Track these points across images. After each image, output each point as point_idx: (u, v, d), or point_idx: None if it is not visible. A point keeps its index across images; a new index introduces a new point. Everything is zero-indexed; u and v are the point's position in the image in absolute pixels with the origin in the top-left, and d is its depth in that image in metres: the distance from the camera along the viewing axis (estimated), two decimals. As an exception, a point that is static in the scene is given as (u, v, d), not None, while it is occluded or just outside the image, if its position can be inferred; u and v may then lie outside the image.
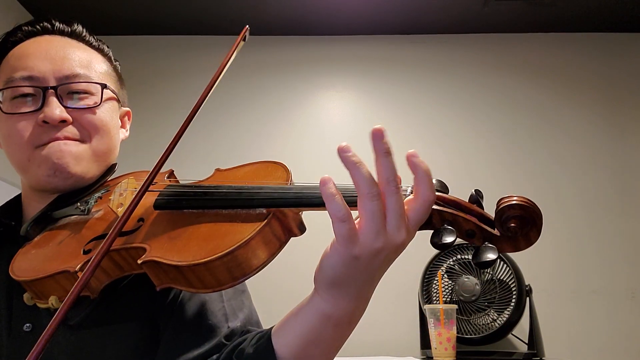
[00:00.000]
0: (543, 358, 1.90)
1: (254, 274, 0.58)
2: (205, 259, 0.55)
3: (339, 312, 0.56)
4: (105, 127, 0.81)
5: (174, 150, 0.64)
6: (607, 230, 2.35)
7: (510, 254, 1.96)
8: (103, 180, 0.81)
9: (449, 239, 0.52)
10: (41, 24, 0.83)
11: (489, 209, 0.59)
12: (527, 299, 1.96)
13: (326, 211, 0.52)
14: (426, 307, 1.82)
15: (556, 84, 2.57)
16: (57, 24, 0.84)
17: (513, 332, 2.03)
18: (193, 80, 2.59)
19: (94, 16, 2.57)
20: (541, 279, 2.19)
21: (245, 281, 0.60)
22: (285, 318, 0.61)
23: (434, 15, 2.52)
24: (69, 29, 0.84)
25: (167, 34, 2.63)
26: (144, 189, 0.61)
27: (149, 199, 0.67)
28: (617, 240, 2.34)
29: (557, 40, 2.62)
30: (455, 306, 1.78)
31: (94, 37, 0.87)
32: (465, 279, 1.95)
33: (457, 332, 1.81)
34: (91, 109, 0.79)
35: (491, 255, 0.51)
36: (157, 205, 0.67)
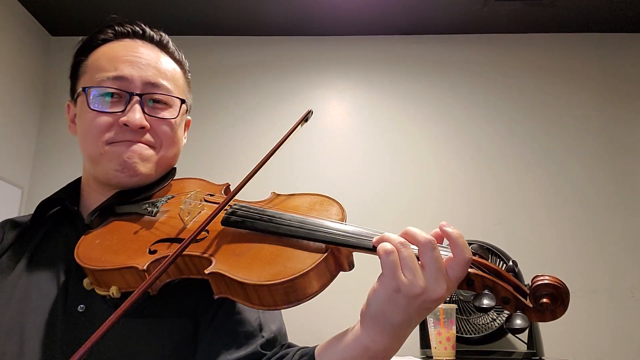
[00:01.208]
0: (542, 357, 1.91)
1: (305, 302, 0.64)
2: (269, 282, 0.62)
3: (376, 346, 0.62)
4: (175, 139, 0.87)
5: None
6: (607, 230, 2.36)
7: (509, 254, 1.96)
8: (165, 182, 0.88)
9: (488, 303, 0.60)
10: (133, 28, 0.89)
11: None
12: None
13: (375, 255, 0.62)
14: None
15: (556, 84, 2.57)
16: (147, 30, 0.90)
17: (513, 332, 2.03)
18: (193, 80, 2.59)
19: (93, 16, 2.57)
20: (541, 278, 2.19)
21: None
22: (330, 342, 0.67)
23: (434, 15, 2.53)
24: (158, 38, 0.91)
25: (166, 34, 2.63)
26: (220, 209, 0.69)
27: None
28: (617, 240, 2.34)
29: (557, 40, 2.62)
30: (454, 306, 1.78)
31: (177, 49, 0.94)
32: (465, 279, 1.95)
33: (457, 332, 1.81)
34: (168, 120, 0.85)
35: (523, 324, 0.59)
36: (224, 223, 0.73)
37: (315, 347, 0.69)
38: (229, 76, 2.64)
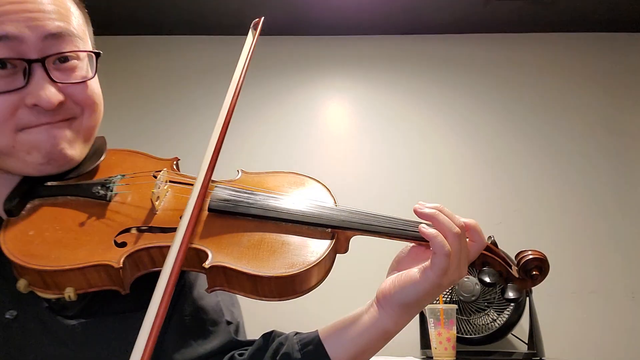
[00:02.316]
0: (543, 358, 1.90)
1: (312, 290, 0.63)
2: (286, 274, 0.59)
3: (397, 328, 0.64)
4: (98, 101, 0.70)
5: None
6: (606, 231, 2.35)
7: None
8: (97, 159, 0.71)
9: (494, 278, 0.69)
10: None
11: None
12: (527, 299, 1.96)
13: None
14: (426, 307, 1.82)
15: (556, 84, 2.57)
16: None
17: (513, 332, 2.03)
18: (193, 80, 2.59)
19: (93, 16, 2.57)
20: (541, 279, 2.19)
21: None
22: (338, 327, 0.65)
23: (435, 14, 2.52)
24: None
25: (166, 34, 2.63)
26: (202, 196, 0.62)
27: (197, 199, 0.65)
28: (617, 241, 2.34)
29: (557, 40, 2.62)
30: (455, 306, 1.78)
31: None
32: (465, 279, 1.95)
33: (457, 332, 1.81)
34: (85, 83, 0.67)
35: (517, 293, 0.71)
36: (211, 209, 0.65)
37: (315, 332, 0.66)
38: (228, 76, 2.63)
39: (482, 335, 1.92)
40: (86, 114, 0.68)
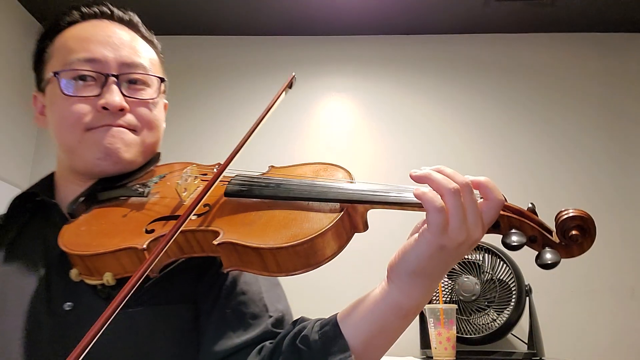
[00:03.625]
0: (543, 358, 1.90)
1: (324, 264, 0.62)
2: (288, 244, 0.60)
3: (410, 303, 0.60)
4: (157, 122, 0.83)
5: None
6: (606, 230, 2.35)
7: (510, 254, 1.96)
8: (149, 167, 0.82)
9: (518, 239, 0.59)
10: (100, 8, 0.83)
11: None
12: (527, 298, 1.96)
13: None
14: (426, 306, 1.82)
15: (556, 84, 2.57)
16: (116, 10, 0.84)
17: (513, 332, 2.03)
18: (193, 80, 2.59)
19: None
20: (541, 278, 2.18)
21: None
22: (352, 306, 0.64)
23: (435, 15, 2.53)
24: (128, 18, 0.85)
25: (166, 34, 2.63)
26: (218, 176, 0.66)
27: (216, 187, 0.69)
28: (617, 240, 2.34)
29: (557, 40, 2.62)
30: (455, 306, 1.78)
31: (147, 29, 0.88)
32: (465, 279, 1.95)
33: (457, 332, 1.81)
34: (147, 102, 0.80)
35: (554, 258, 0.58)
36: (228, 193, 0.70)
37: (335, 314, 0.66)
38: (228, 76, 2.63)
39: (482, 335, 1.92)
40: (145, 131, 0.80)
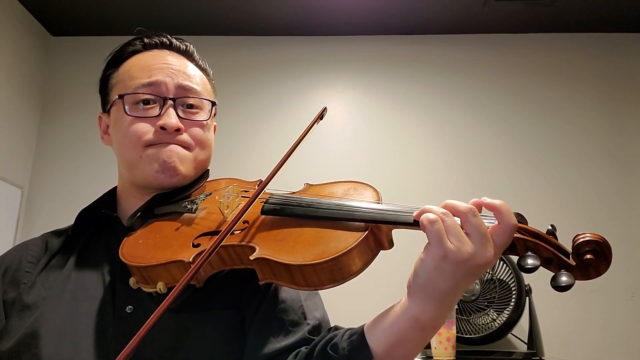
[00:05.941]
0: (542, 358, 1.91)
1: (349, 280, 0.67)
2: (314, 262, 0.65)
3: (426, 316, 0.64)
4: (208, 142, 0.92)
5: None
6: (606, 230, 2.34)
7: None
8: (200, 183, 0.91)
9: (532, 262, 0.62)
10: (160, 39, 0.93)
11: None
12: (527, 298, 1.96)
13: (417, 230, 0.64)
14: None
15: (556, 84, 2.57)
16: (174, 41, 0.95)
17: (512, 332, 2.03)
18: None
19: (93, 16, 2.57)
20: (541, 278, 2.18)
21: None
22: (377, 318, 0.69)
23: (434, 15, 2.53)
24: (184, 47, 0.95)
25: (167, 34, 2.63)
26: (255, 197, 0.73)
27: (255, 205, 0.76)
28: (617, 240, 2.33)
29: (557, 40, 2.62)
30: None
31: (201, 57, 0.98)
32: (465, 279, 1.95)
33: (457, 332, 1.81)
34: (201, 123, 0.90)
35: (569, 280, 0.60)
36: (264, 211, 0.76)
37: (363, 325, 0.71)
38: (228, 76, 2.63)
39: (482, 335, 1.92)
40: (197, 149, 0.89)
